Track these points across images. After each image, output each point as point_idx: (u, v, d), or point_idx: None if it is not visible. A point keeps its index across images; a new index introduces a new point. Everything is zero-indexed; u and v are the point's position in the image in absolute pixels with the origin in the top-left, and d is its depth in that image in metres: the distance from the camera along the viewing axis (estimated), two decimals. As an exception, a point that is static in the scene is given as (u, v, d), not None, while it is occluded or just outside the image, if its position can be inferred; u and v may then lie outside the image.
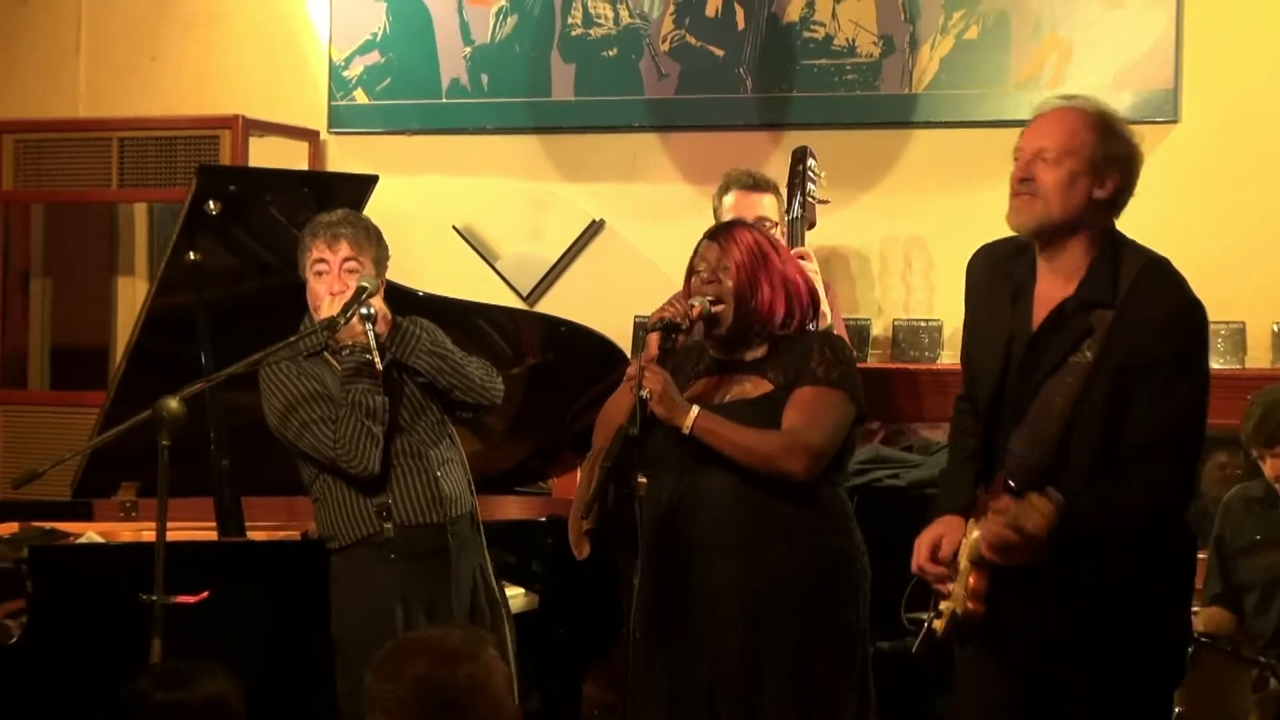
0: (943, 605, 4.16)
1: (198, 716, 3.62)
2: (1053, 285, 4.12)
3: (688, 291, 4.87)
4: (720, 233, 4.87)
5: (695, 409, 4.67)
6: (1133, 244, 4.14)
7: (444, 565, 5.15)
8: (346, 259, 5.07)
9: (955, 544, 4.13)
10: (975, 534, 4.06)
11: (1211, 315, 6.34)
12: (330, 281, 5.08)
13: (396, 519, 5.12)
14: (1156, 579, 4.08)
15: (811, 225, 6.13)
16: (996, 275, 4.27)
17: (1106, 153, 4.06)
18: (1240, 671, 5.29)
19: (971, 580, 4.05)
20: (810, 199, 6.12)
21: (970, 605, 4.04)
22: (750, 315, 4.73)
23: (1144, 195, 6.54)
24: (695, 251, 4.85)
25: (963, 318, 4.42)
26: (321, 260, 5.09)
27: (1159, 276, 4.08)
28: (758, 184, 6.06)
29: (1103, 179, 4.05)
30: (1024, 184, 4.04)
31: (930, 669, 4.54)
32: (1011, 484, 4.03)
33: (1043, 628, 4.07)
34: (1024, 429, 4.08)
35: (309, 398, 5.10)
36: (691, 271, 4.84)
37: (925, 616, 4.24)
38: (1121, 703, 4.13)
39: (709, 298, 4.73)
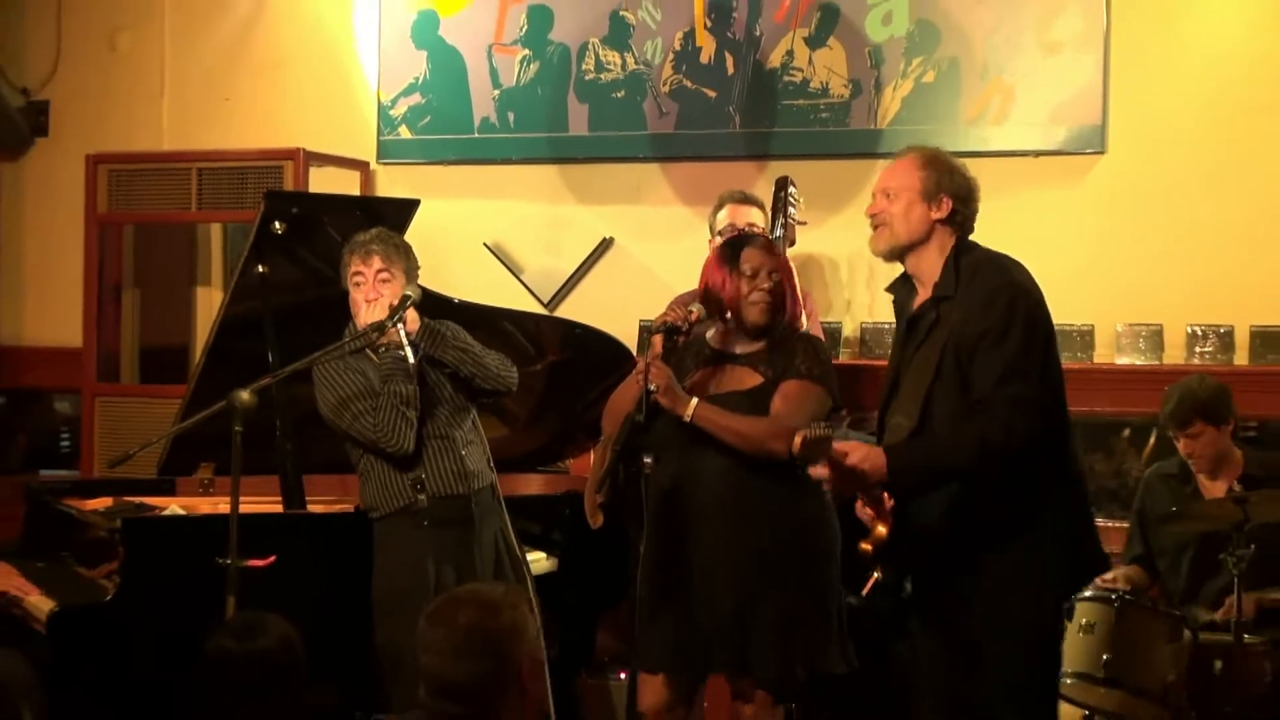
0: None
1: (266, 662, 3.63)
2: (922, 295, 4.36)
3: (692, 296, 4.90)
4: (760, 243, 4.89)
5: (695, 400, 4.70)
6: (978, 249, 4.35)
7: (469, 530, 5.18)
8: (379, 271, 5.12)
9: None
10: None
11: (1134, 320, 6.47)
12: (366, 290, 5.13)
13: (429, 491, 5.14)
14: (1044, 539, 4.19)
15: (792, 243, 6.13)
16: (900, 302, 4.52)
17: (936, 182, 4.32)
18: (1158, 624, 5.27)
19: (881, 528, 4.19)
20: (791, 221, 6.11)
21: (865, 546, 4.21)
22: (777, 319, 4.81)
23: (1076, 216, 6.60)
24: (736, 252, 4.82)
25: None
26: (358, 273, 5.14)
27: (985, 267, 4.29)
28: (747, 199, 6.13)
29: (938, 202, 4.30)
30: (875, 218, 4.38)
31: (889, 618, 4.53)
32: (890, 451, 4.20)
33: (961, 601, 4.22)
34: (897, 403, 4.32)
35: (357, 393, 5.13)
36: (726, 267, 4.79)
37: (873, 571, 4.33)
38: (1023, 631, 4.20)
39: (697, 305, 4.79)
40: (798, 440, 4.08)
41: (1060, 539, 4.25)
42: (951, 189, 4.31)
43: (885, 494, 4.15)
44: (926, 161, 4.35)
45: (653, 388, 4.66)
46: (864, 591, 4.29)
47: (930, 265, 4.32)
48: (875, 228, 4.37)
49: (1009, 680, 4.22)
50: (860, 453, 4.07)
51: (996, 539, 4.16)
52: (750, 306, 4.74)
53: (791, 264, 4.94)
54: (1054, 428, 4.21)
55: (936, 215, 4.29)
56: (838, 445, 4.06)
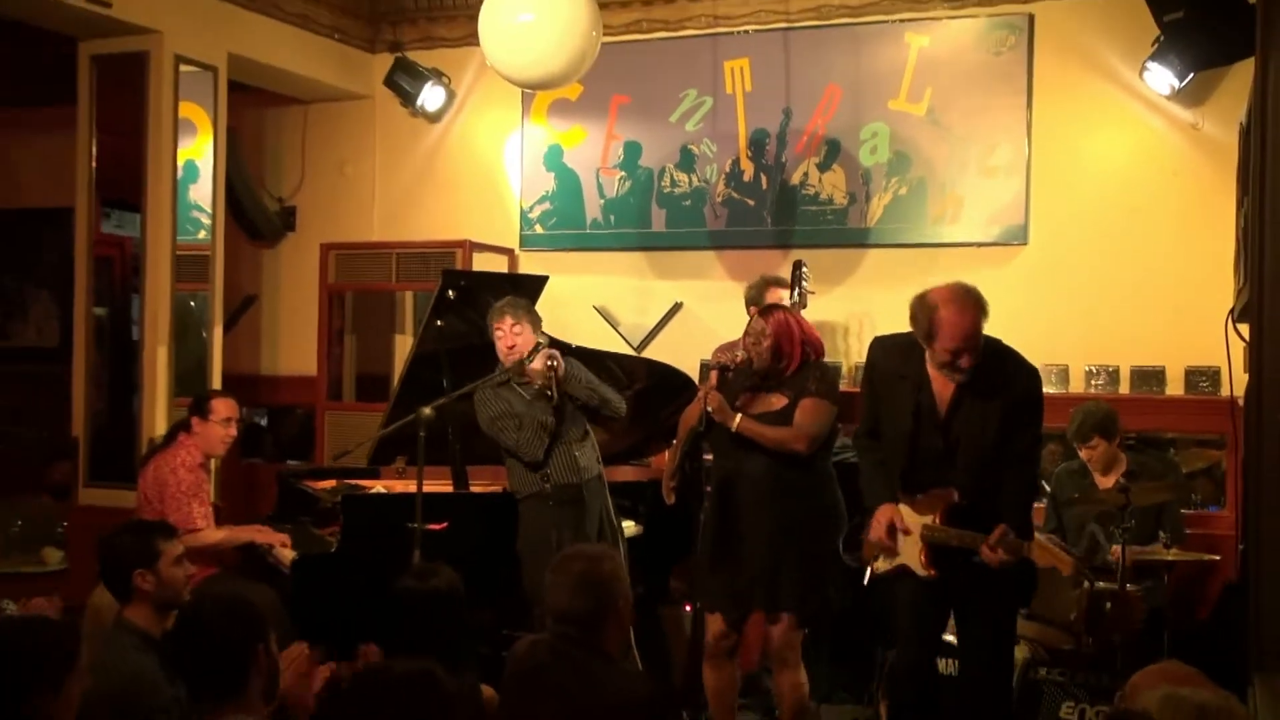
0: (885, 558, 4.29)
1: (439, 598, 3.65)
2: (939, 376, 4.18)
3: (736, 344, 4.90)
4: (765, 314, 4.88)
5: (739, 416, 4.71)
6: (989, 339, 4.17)
7: (581, 508, 5.21)
8: (513, 325, 5.14)
9: (902, 524, 4.21)
10: (924, 519, 4.16)
11: (1047, 360, 6.42)
12: (506, 341, 5.14)
13: (553, 481, 5.16)
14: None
15: (804, 307, 6.09)
16: (892, 361, 4.32)
17: (986, 316, 4.12)
18: (1065, 576, 5.20)
19: (923, 554, 4.12)
20: (804, 291, 6.09)
21: (930, 571, 4.16)
22: (778, 361, 4.75)
23: (1005, 292, 6.54)
24: (751, 323, 4.86)
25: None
26: (498, 328, 5.15)
27: (1013, 355, 4.22)
28: (780, 282, 6.09)
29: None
30: (957, 368, 4.09)
31: (870, 585, 4.52)
32: (960, 501, 4.17)
33: (961, 571, 4.17)
34: (962, 467, 4.16)
35: (503, 414, 5.15)
36: (746, 333, 4.85)
37: (865, 560, 4.37)
38: (999, 609, 4.22)
39: (745, 351, 4.77)
40: (990, 551, 4.03)
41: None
42: (986, 311, 4.14)
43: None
44: (980, 306, 4.11)
45: (710, 408, 4.68)
46: (865, 580, 4.33)
47: None
48: (955, 370, 4.09)
49: (989, 631, 4.26)
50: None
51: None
52: (756, 358, 4.76)
53: (795, 320, 4.89)
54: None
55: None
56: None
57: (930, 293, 4.15)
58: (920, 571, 4.17)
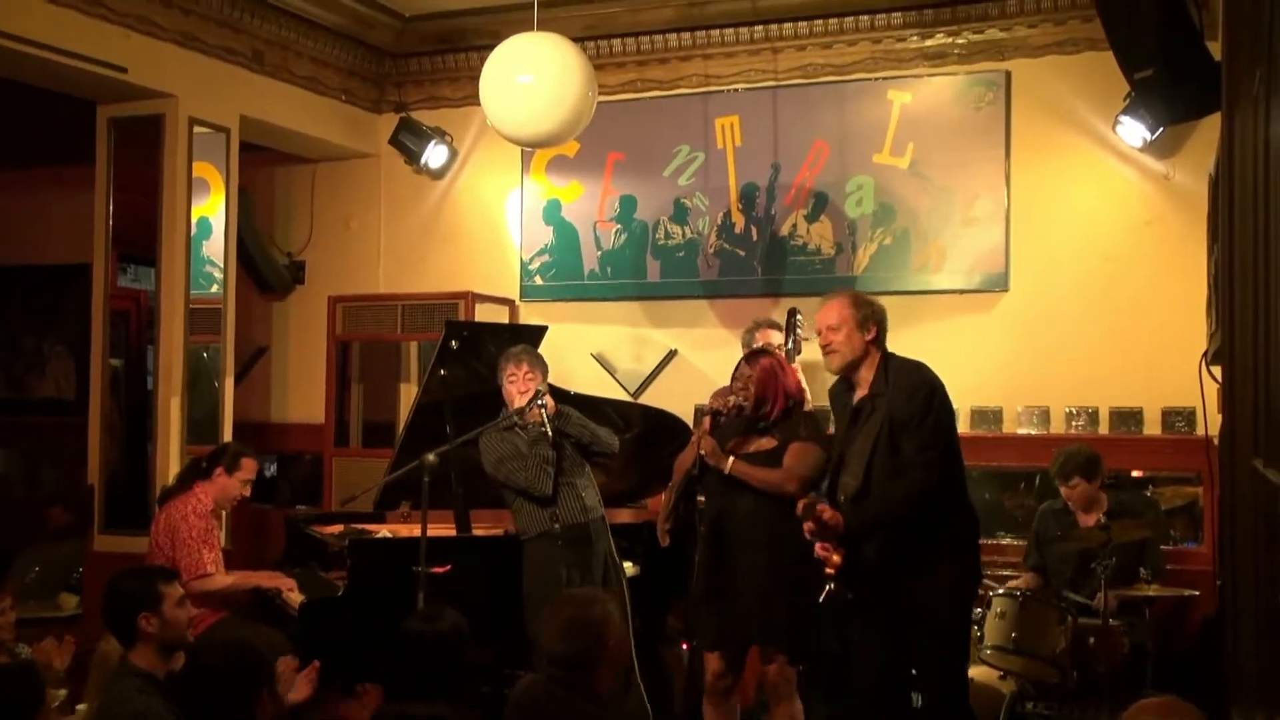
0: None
1: (444, 640, 3.61)
2: (860, 393, 4.31)
3: (728, 390, 4.88)
4: (751, 358, 4.89)
5: (732, 459, 4.68)
6: (897, 357, 4.32)
7: (588, 546, 5.18)
8: (526, 373, 5.13)
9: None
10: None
11: (1028, 402, 6.40)
12: (519, 385, 5.13)
13: (561, 521, 5.13)
14: (947, 553, 4.17)
15: (800, 353, 6.10)
16: (840, 399, 4.46)
17: (862, 315, 4.28)
18: (1050, 612, 5.18)
19: (836, 558, 4.15)
20: (799, 337, 6.09)
21: (830, 571, 4.19)
22: (761, 406, 4.74)
23: (987, 337, 6.54)
24: (737, 367, 4.87)
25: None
26: (511, 374, 5.14)
27: (908, 370, 4.26)
28: (771, 324, 6.12)
29: (866, 328, 4.27)
30: (827, 347, 4.32)
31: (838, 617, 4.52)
32: (841, 499, 4.24)
33: (896, 591, 4.17)
34: (846, 469, 4.27)
35: (509, 455, 5.13)
36: (734, 378, 4.86)
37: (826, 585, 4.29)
38: (940, 620, 4.16)
39: (737, 397, 4.76)
40: (800, 505, 4.16)
41: (960, 558, 4.22)
42: (873, 317, 4.30)
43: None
44: (854, 300, 4.33)
45: (703, 451, 4.67)
46: (820, 599, 4.26)
47: (866, 373, 4.29)
48: (827, 353, 4.34)
49: (932, 660, 4.20)
50: (828, 513, 4.11)
51: (919, 561, 4.13)
52: (745, 401, 4.76)
53: (779, 367, 4.90)
54: (951, 480, 4.22)
55: (867, 337, 4.28)
56: (819, 507, 4.12)
57: None
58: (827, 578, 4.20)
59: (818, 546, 4.22)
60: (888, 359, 4.29)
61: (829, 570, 4.17)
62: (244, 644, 3.02)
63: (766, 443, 4.80)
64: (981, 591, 5.07)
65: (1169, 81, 4.67)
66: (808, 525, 4.13)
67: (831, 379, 4.56)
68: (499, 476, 5.17)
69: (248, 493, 5.52)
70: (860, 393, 4.31)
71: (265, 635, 4.83)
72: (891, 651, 4.24)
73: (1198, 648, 5.52)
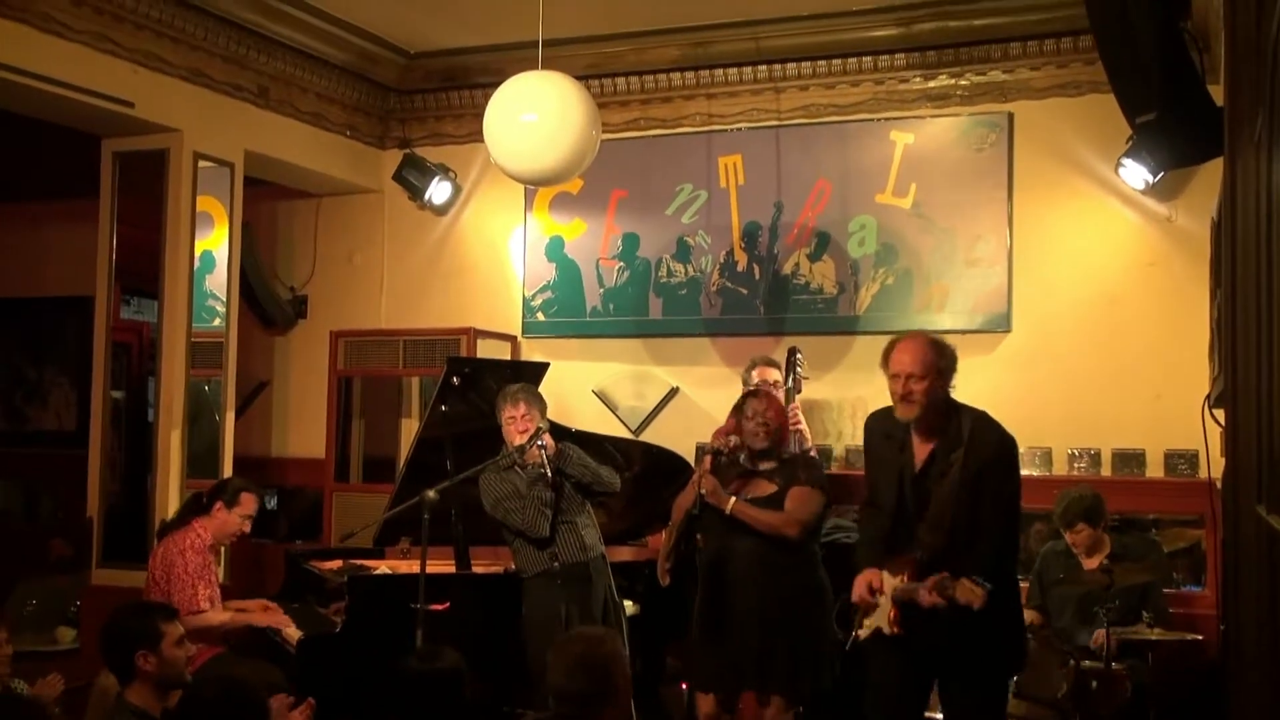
0: (867, 622, 4.10)
1: (442, 680, 3.59)
2: (920, 438, 4.14)
3: (736, 428, 4.88)
4: (758, 394, 4.90)
5: (733, 500, 4.67)
6: (964, 406, 4.15)
7: (588, 585, 5.17)
8: (524, 413, 5.12)
9: (879, 584, 4.07)
10: (895, 580, 4.01)
11: (1030, 443, 6.40)
12: (518, 425, 5.11)
13: (561, 559, 5.11)
14: (1004, 603, 4.01)
15: (799, 392, 6.11)
16: (882, 433, 4.27)
17: (943, 364, 4.08)
18: (1052, 655, 5.16)
19: (892, 613, 4.02)
20: (799, 376, 6.10)
21: (895, 629, 4.03)
22: (774, 443, 4.73)
23: (989, 377, 6.56)
24: (743, 403, 4.87)
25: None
26: (510, 415, 5.14)
27: (986, 425, 4.11)
28: (770, 362, 6.13)
29: (948, 377, 4.10)
30: (907, 396, 4.06)
31: (857, 657, 4.38)
32: (922, 558, 4.03)
33: (936, 633, 3.99)
34: (925, 525, 4.06)
35: (508, 495, 5.12)
36: (738, 413, 4.85)
37: (853, 629, 4.18)
38: (984, 676, 4.04)
39: (755, 436, 4.74)
40: (927, 592, 3.95)
41: (1015, 622, 4.17)
42: (952, 364, 4.11)
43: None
44: (934, 346, 4.10)
45: (704, 491, 4.66)
46: (848, 647, 4.20)
47: (937, 422, 4.09)
48: (904, 401, 4.05)
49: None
50: (966, 592, 3.88)
51: (987, 624, 3.97)
52: (751, 437, 4.75)
53: (798, 409, 4.93)
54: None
55: (948, 388, 4.09)
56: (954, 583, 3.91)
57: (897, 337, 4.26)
58: (887, 629, 4.03)
59: (858, 596, 4.08)
60: (958, 407, 4.12)
61: (891, 628, 4.01)
62: (240, 681, 3.00)
63: (767, 486, 4.81)
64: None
65: (1171, 125, 4.67)
66: (931, 600, 3.93)
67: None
68: (497, 515, 5.16)
69: (247, 529, 5.48)
70: (928, 442, 4.11)
71: (262, 671, 4.81)
72: (914, 696, 4.19)
73: (1201, 692, 5.48)
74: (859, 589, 4.10)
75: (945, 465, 4.03)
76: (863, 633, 4.11)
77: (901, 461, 4.15)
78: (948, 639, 3.98)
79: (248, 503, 5.44)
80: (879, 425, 4.29)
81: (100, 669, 4.50)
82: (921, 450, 4.13)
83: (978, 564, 3.92)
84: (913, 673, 4.13)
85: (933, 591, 3.91)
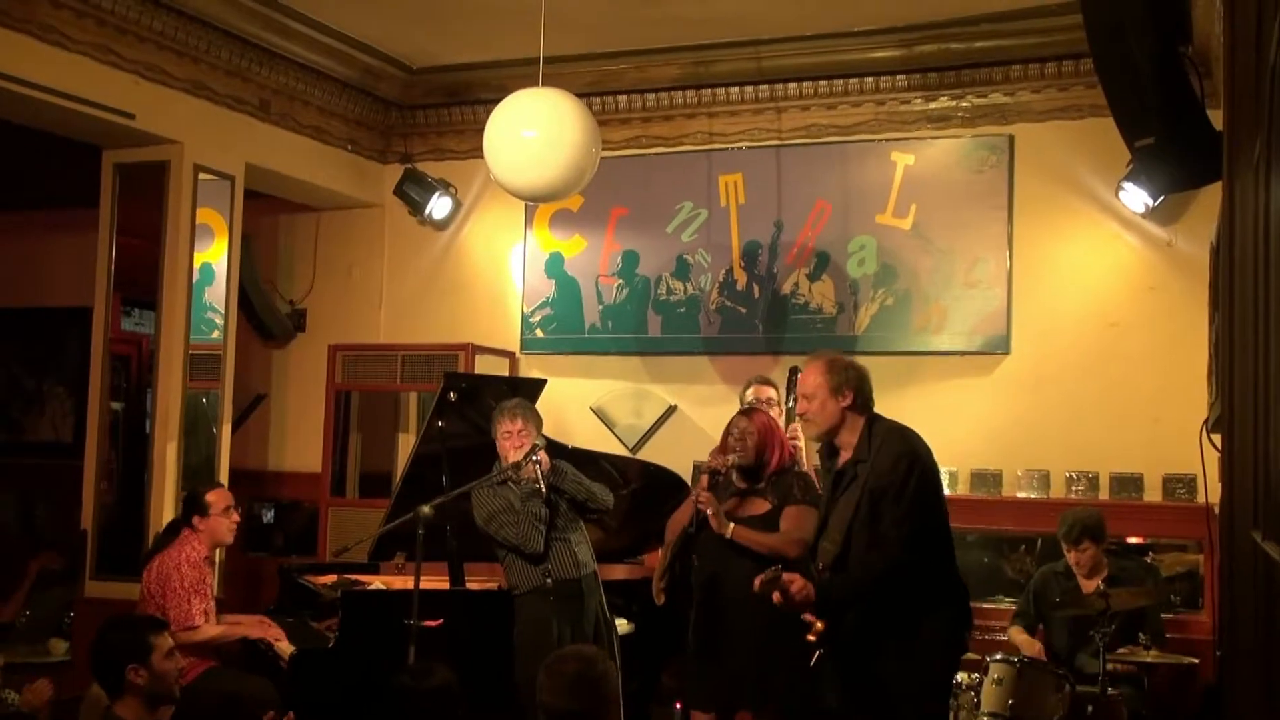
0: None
1: (435, 697, 3.56)
2: (844, 457, 4.19)
3: (724, 447, 4.89)
4: (747, 414, 4.90)
5: (733, 525, 4.71)
6: (884, 421, 4.19)
7: (580, 602, 5.16)
8: (520, 429, 5.12)
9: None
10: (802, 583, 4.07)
11: (1026, 467, 6.37)
12: (514, 440, 5.11)
13: (554, 576, 5.10)
14: (930, 622, 4.06)
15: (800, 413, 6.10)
16: (825, 463, 4.35)
17: (836, 382, 4.14)
18: (1047, 679, 5.13)
19: (818, 624, 4.03)
20: (799, 397, 6.08)
21: (812, 636, 4.06)
22: (761, 456, 4.73)
23: (987, 399, 6.53)
24: (731, 422, 4.88)
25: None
26: (506, 430, 5.13)
27: (890, 438, 4.11)
28: (766, 381, 6.10)
29: (841, 394, 4.13)
30: (802, 416, 4.25)
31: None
32: (820, 566, 4.11)
33: (873, 656, 4.05)
34: (825, 535, 4.15)
35: (502, 510, 5.10)
36: (727, 433, 4.87)
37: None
38: (897, 705, 4.03)
39: (736, 454, 4.76)
40: (756, 581, 4.05)
41: (939, 634, 4.11)
42: (850, 381, 4.16)
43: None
44: (828, 367, 4.19)
45: (708, 512, 4.72)
46: (811, 664, 4.18)
47: (849, 438, 4.16)
48: (804, 422, 4.29)
49: None
50: (797, 584, 3.99)
51: (897, 634, 4.02)
52: (741, 454, 4.77)
53: (773, 423, 4.91)
54: (936, 554, 4.10)
55: (844, 403, 4.14)
56: (785, 577, 4.00)
57: None
58: (810, 635, 4.06)
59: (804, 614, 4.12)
60: (872, 422, 4.16)
61: (810, 637, 4.05)
62: (232, 696, 2.98)
63: (762, 504, 4.81)
64: (978, 657, 5.03)
65: (1169, 150, 4.69)
66: (775, 596, 4.01)
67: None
68: (490, 531, 5.14)
69: (236, 519, 5.41)
70: (844, 457, 4.19)
71: (253, 686, 4.79)
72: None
73: (1197, 718, 5.47)
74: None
75: (850, 477, 4.11)
76: (811, 636, 4.12)
77: (832, 477, 4.26)
78: (859, 655, 4.06)
79: (217, 500, 5.36)
80: (823, 449, 4.40)
81: (91, 680, 4.48)
82: (840, 465, 4.22)
83: (848, 578, 4.01)
84: (849, 699, 4.15)
85: (761, 583, 4.04)
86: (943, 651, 4.14)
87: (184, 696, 3.61)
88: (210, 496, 5.38)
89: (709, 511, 4.70)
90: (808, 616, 4.09)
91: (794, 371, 6.17)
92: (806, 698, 4.66)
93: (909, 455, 4.06)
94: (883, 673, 4.05)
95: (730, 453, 4.84)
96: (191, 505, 5.42)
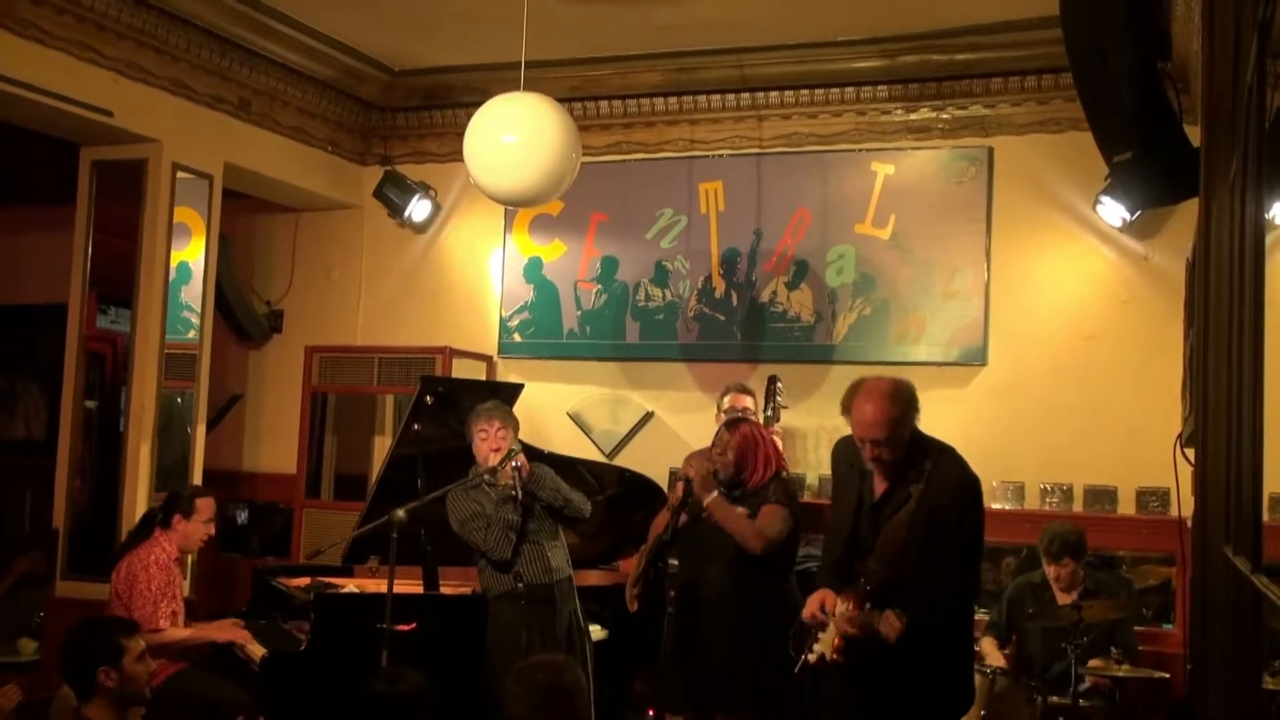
0: (816, 647, 4.04)
1: (406, 702, 3.56)
2: (880, 475, 4.07)
3: (705, 454, 4.91)
4: (731, 425, 4.91)
5: (715, 493, 4.73)
6: (928, 438, 4.09)
7: (552, 608, 5.14)
8: (498, 430, 5.10)
9: (831, 606, 4.01)
10: (842, 607, 3.96)
11: (1002, 479, 6.39)
12: (491, 442, 5.10)
13: (525, 581, 5.09)
14: (952, 643, 4.02)
15: (778, 420, 6.11)
16: (847, 461, 4.20)
17: (904, 414, 3.98)
18: (1019, 691, 5.16)
19: (836, 640, 3.95)
20: (778, 404, 6.10)
21: (835, 656, 3.95)
22: (740, 472, 4.74)
23: (963, 410, 6.56)
24: (717, 434, 4.89)
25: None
26: (483, 431, 5.12)
27: (949, 463, 4.02)
28: (743, 389, 6.12)
29: (909, 424, 4.01)
30: (877, 460, 3.99)
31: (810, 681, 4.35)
32: (869, 588, 3.96)
33: (879, 668, 3.95)
34: (875, 555, 4.00)
35: (474, 515, 5.09)
36: (714, 444, 4.88)
37: (804, 651, 4.12)
38: (926, 717, 4.00)
39: (716, 466, 4.78)
40: (843, 622, 3.89)
41: (962, 663, 4.11)
42: (913, 406, 4.02)
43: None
44: (893, 399, 3.98)
45: (692, 475, 4.79)
46: (795, 670, 4.14)
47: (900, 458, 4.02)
48: (877, 464, 3.99)
49: None
50: (893, 630, 3.84)
51: (927, 656, 3.93)
52: (722, 467, 4.78)
53: (760, 434, 4.91)
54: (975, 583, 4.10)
55: (908, 432, 4.00)
56: (883, 627, 3.85)
57: (862, 381, 4.12)
58: (829, 655, 3.96)
59: (816, 610, 4.02)
60: (925, 442, 4.04)
61: (835, 656, 3.92)
62: (203, 699, 2.97)
63: (740, 513, 4.80)
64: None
65: (1147, 165, 4.72)
66: (848, 631, 3.87)
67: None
68: (462, 535, 5.14)
69: (212, 531, 5.44)
70: (880, 474, 4.06)
71: (224, 689, 4.76)
72: None
73: (1168, 732, 5.50)
74: (810, 607, 4.04)
75: (903, 498, 3.97)
76: (811, 656, 4.07)
77: (861, 489, 4.12)
78: (890, 675, 3.92)
79: (205, 508, 5.40)
80: (844, 454, 4.24)
81: (61, 682, 4.45)
82: (882, 481, 4.09)
83: (915, 601, 3.87)
84: (859, 707, 4.10)
85: (851, 624, 3.88)
86: (965, 673, 4.14)
87: (155, 699, 3.59)
88: (200, 502, 5.41)
89: (691, 478, 4.74)
90: (819, 618, 4.00)
91: (773, 380, 6.19)
92: (784, 702, 4.67)
93: (972, 483, 3.99)
94: (919, 694, 3.95)
95: (716, 464, 4.84)
96: (176, 504, 5.41)
